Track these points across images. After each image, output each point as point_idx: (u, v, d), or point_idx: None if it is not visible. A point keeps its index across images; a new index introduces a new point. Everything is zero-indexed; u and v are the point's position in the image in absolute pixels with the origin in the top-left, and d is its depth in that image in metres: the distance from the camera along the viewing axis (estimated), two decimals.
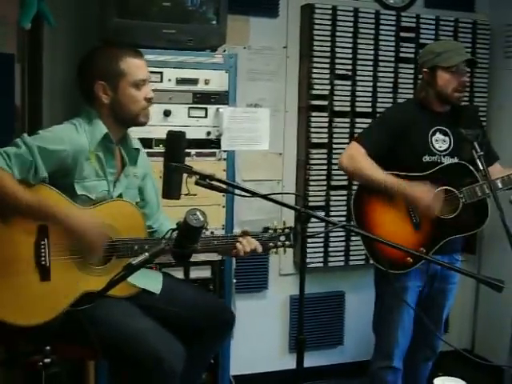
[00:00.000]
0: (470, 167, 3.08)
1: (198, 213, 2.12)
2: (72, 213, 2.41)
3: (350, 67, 3.95)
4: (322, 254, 4.01)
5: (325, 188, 3.97)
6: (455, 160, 3.14)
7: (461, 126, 2.95)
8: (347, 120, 3.97)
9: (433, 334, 3.26)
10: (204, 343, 2.76)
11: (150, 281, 2.71)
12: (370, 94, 4.01)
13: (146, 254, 2.07)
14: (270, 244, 2.76)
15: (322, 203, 3.98)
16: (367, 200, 3.15)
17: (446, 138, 3.16)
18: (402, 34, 4.06)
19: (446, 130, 3.16)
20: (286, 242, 2.78)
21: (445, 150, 3.14)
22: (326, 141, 3.94)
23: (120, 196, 2.65)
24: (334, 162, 3.90)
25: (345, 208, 3.97)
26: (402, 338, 3.19)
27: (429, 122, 3.15)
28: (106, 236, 2.45)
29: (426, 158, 3.11)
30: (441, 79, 3.08)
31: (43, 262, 2.42)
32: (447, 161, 3.13)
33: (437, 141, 3.14)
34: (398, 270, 3.06)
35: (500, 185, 3.04)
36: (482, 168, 2.80)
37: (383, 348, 3.24)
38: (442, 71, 3.08)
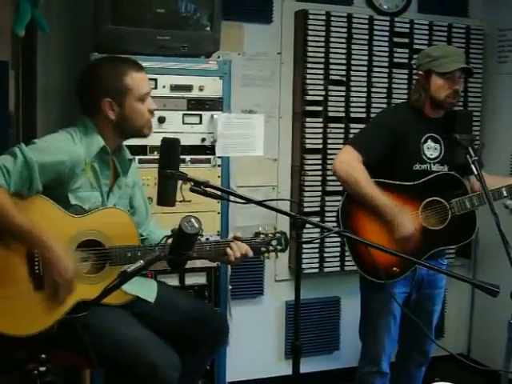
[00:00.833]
0: (461, 178, 3.08)
1: (192, 220, 2.12)
2: (56, 249, 2.38)
3: (344, 73, 3.95)
4: (317, 260, 4.01)
5: (320, 194, 3.97)
6: (445, 168, 3.13)
7: (455, 130, 2.94)
8: (342, 125, 3.97)
9: (424, 340, 3.25)
10: (198, 352, 2.75)
11: (144, 289, 2.70)
12: (364, 100, 4.01)
13: (141, 261, 2.07)
14: (262, 248, 2.77)
15: (317, 209, 3.98)
16: (355, 211, 3.10)
17: (437, 146, 3.14)
18: (396, 40, 4.07)
19: (438, 137, 3.14)
20: (278, 247, 2.78)
21: (435, 158, 3.12)
22: (320, 146, 3.94)
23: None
24: (328, 167, 3.88)
25: None
26: (388, 344, 3.20)
27: (421, 129, 3.12)
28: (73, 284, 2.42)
29: (417, 167, 3.09)
30: (434, 84, 3.05)
31: (37, 271, 2.41)
32: (437, 168, 3.11)
33: (428, 148, 3.11)
34: (384, 280, 3.02)
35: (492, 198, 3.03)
36: (476, 173, 2.78)
37: (371, 354, 3.22)
38: (437, 76, 3.05)
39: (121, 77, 2.57)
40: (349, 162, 3.03)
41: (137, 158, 2.88)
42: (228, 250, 2.66)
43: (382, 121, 3.26)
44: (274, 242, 2.78)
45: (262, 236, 2.78)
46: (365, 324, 3.27)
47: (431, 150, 3.12)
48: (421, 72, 3.12)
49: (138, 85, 2.59)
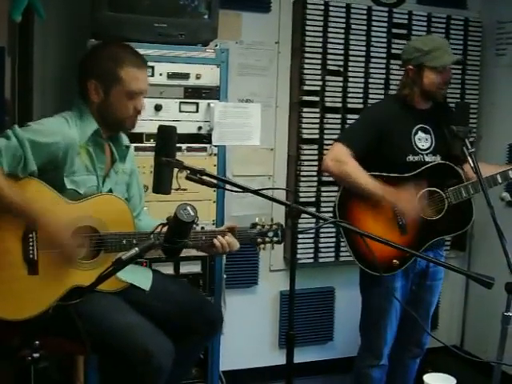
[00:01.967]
0: (455, 167, 3.08)
1: (188, 208, 2.12)
2: (51, 220, 2.38)
3: (341, 63, 3.94)
4: (312, 250, 4.01)
5: (315, 184, 3.97)
6: (438, 158, 3.13)
7: (452, 122, 2.94)
8: (338, 116, 3.97)
9: (421, 332, 3.26)
10: (192, 341, 2.76)
11: (139, 277, 2.70)
12: (361, 90, 4.00)
13: (136, 248, 2.07)
14: (258, 240, 2.78)
15: (313, 199, 3.98)
16: (352, 204, 3.08)
17: (428, 136, 3.14)
18: (394, 31, 4.05)
19: (428, 127, 3.14)
20: (274, 238, 2.79)
21: (427, 149, 3.12)
22: (317, 137, 3.94)
23: (109, 191, 2.64)
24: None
25: None
26: (390, 337, 3.21)
27: (411, 121, 3.12)
28: (76, 250, 2.44)
29: (410, 158, 3.09)
30: (427, 78, 3.04)
31: (31, 256, 2.41)
32: (430, 159, 3.12)
33: (419, 139, 3.12)
34: (384, 273, 3.02)
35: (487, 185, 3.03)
36: (472, 165, 2.78)
37: (373, 348, 3.23)
38: (430, 70, 3.03)
39: (115, 65, 2.56)
40: (339, 157, 3.01)
41: (133, 145, 2.86)
42: (216, 243, 2.67)
43: (368, 117, 3.23)
44: (270, 234, 2.79)
45: (258, 227, 2.79)
46: (367, 319, 3.27)
47: (422, 140, 3.12)
48: (411, 67, 3.08)
49: (130, 80, 2.57)
